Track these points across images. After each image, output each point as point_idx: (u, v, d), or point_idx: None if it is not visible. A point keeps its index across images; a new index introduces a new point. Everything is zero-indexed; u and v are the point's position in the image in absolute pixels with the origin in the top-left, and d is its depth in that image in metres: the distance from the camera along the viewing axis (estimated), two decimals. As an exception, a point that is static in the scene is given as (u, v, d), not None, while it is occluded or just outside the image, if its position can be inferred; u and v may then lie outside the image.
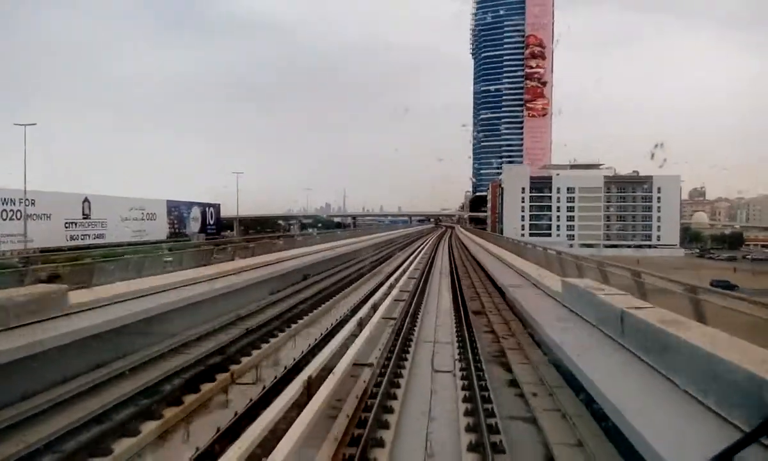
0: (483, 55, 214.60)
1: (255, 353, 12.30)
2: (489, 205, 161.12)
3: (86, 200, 63.27)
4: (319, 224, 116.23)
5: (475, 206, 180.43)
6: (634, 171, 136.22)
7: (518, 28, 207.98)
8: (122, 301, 11.92)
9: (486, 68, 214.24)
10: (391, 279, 24.23)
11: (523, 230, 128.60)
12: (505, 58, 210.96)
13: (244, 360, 11.73)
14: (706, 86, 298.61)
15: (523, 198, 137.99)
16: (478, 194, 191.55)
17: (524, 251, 27.88)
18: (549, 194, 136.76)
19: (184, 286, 15.62)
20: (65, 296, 10.43)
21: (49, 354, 8.82)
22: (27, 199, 53.33)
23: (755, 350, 5.52)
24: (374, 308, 16.34)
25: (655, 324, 6.73)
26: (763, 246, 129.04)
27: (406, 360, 12.02)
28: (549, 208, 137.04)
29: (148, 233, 70.76)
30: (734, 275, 79.14)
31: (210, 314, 14.84)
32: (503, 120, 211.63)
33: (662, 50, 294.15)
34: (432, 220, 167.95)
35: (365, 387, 9.81)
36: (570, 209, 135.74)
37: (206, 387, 9.98)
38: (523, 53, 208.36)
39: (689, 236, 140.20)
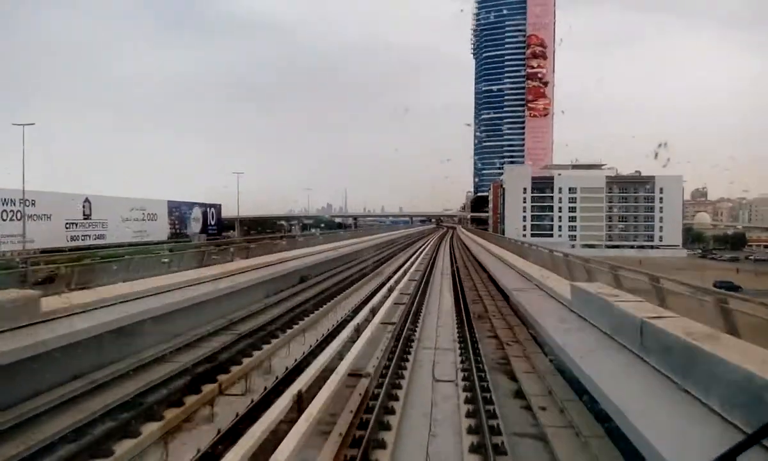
0: (484, 55, 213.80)
1: (245, 361, 11.62)
2: (490, 205, 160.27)
3: (87, 200, 62.51)
4: (322, 225, 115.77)
5: (477, 206, 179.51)
6: (636, 171, 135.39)
7: (520, 27, 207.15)
8: (100, 307, 11.24)
9: (487, 68, 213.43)
10: (392, 281, 23.53)
11: (524, 230, 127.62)
12: (507, 58, 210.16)
13: (234, 369, 11.04)
14: (708, 86, 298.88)
15: (524, 198, 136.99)
16: (479, 194, 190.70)
17: (527, 252, 27.19)
18: (551, 195, 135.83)
19: (176, 289, 15.02)
20: (37, 303, 9.73)
21: (12, 368, 8.16)
22: (27, 200, 52.78)
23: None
24: (373, 312, 15.64)
25: (682, 337, 6.02)
26: (765, 247, 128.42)
27: (405, 368, 11.34)
28: (551, 208, 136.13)
29: (150, 233, 70.18)
30: (737, 275, 78.58)
31: (202, 319, 14.20)
32: (505, 120, 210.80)
33: (663, 50, 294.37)
34: (433, 220, 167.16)
35: (361, 400, 9.15)
36: (572, 209, 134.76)
37: (190, 401, 9.30)
38: (524, 53, 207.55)
39: (691, 237, 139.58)
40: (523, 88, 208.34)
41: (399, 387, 10.07)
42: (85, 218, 61.98)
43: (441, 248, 60.03)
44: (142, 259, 19.60)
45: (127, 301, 12.36)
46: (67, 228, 58.98)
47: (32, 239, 52.28)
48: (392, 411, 8.89)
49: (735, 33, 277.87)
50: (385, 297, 19.15)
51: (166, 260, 20.50)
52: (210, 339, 13.38)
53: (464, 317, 16.82)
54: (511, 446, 7.55)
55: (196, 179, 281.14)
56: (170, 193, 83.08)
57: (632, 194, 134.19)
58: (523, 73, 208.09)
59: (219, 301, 15.49)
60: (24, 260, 26.77)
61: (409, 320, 16.03)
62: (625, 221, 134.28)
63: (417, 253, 45.97)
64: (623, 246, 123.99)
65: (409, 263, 34.31)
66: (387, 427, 8.27)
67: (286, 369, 10.82)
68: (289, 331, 14.97)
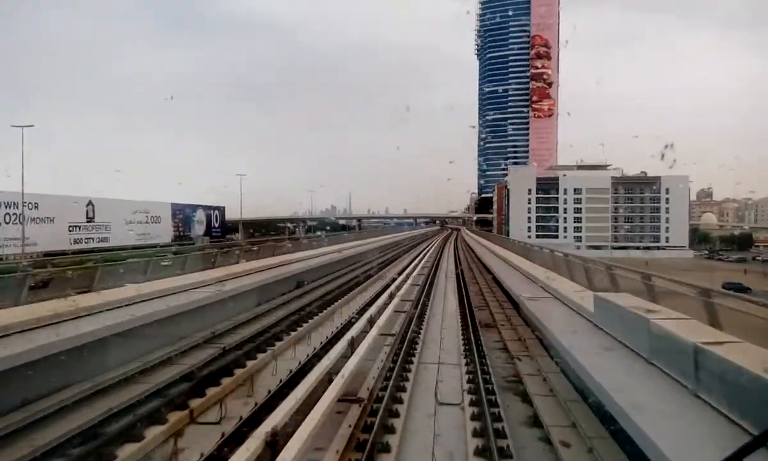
0: (488, 55, 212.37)
1: (225, 382, 10.26)
2: (495, 207, 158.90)
3: (90, 203, 62.30)
4: (328, 228, 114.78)
5: (481, 207, 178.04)
6: (642, 172, 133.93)
7: (524, 28, 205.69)
8: (55, 324, 9.95)
9: (492, 69, 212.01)
10: (392, 287, 22.20)
11: (529, 232, 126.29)
12: (511, 58, 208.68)
13: (210, 392, 9.69)
14: (708, 86, 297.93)
15: (529, 200, 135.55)
16: (483, 195, 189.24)
17: (536, 255, 25.88)
18: (556, 196, 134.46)
19: (162, 296, 13.94)
20: None
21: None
22: (30, 202, 52.76)
23: None
24: (371, 322, 14.31)
25: (755, 373, 4.65)
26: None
27: (404, 390, 9.98)
28: (556, 209, 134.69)
29: (153, 236, 70.03)
30: (745, 277, 77.39)
31: (183, 330, 12.87)
32: (509, 121, 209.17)
33: (663, 50, 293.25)
34: (438, 222, 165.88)
35: (350, 434, 7.82)
36: (577, 210, 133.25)
37: (153, 432, 8.00)
38: (528, 54, 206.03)
39: (698, 238, 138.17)
40: (528, 88, 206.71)
41: (396, 414, 8.73)
42: (88, 221, 61.83)
43: (445, 250, 58.87)
44: (137, 263, 18.58)
45: (88, 315, 11.11)
46: (70, 231, 58.96)
47: (35, 242, 52.37)
48: (387, 448, 7.55)
49: (735, 33, 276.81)
50: (386, 304, 17.87)
51: (165, 263, 19.82)
52: (193, 353, 12.08)
53: (470, 327, 15.51)
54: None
55: (196, 179, 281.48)
56: (170, 193, 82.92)
57: (638, 194, 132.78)
58: (527, 73, 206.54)
59: (195, 314, 14.19)
60: (30, 264, 26.23)
61: (410, 331, 14.69)
62: (631, 222, 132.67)
63: (421, 255, 44.76)
64: (630, 247, 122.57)
65: (412, 266, 33.00)
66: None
67: (269, 392, 9.48)
68: (278, 343, 13.65)
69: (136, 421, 8.19)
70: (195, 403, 9.08)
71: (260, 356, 12.21)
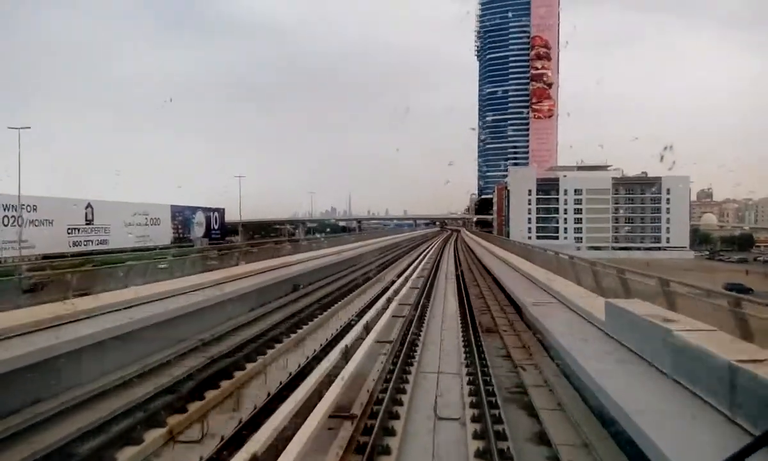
0: (488, 56, 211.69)
1: (209, 396, 9.56)
2: (495, 208, 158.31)
3: (89, 205, 61.89)
4: (328, 230, 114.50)
5: (481, 208, 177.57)
6: (642, 172, 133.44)
7: (524, 29, 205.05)
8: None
9: (491, 70, 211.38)
10: (390, 291, 21.59)
11: (530, 232, 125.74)
12: (511, 59, 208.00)
13: (192, 407, 9.00)
14: (708, 86, 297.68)
15: (529, 200, 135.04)
16: (483, 196, 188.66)
17: (538, 257, 25.24)
18: (556, 196, 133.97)
19: (151, 301, 13.32)
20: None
21: None
22: (29, 205, 52.65)
23: None
24: (367, 329, 13.67)
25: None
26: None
27: (400, 403, 9.32)
28: (556, 210, 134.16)
29: (152, 238, 69.25)
30: (746, 277, 76.94)
31: (169, 338, 12.21)
32: (509, 122, 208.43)
33: (664, 50, 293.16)
34: (438, 223, 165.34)
35: (341, 456, 7.16)
36: (577, 211, 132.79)
37: (127, 454, 7.32)
38: (528, 55, 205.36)
39: (699, 238, 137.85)
40: (528, 89, 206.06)
41: (392, 432, 8.06)
42: (87, 224, 61.50)
43: (445, 251, 58.32)
44: (131, 267, 18.45)
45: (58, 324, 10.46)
46: (69, 234, 58.69)
47: (34, 244, 52.10)
48: (381, 472, 6.89)
49: (735, 33, 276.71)
50: (384, 308, 17.26)
51: (164, 265, 19.68)
52: (180, 362, 11.42)
53: (471, 333, 14.84)
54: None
55: (196, 179, 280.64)
56: (170, 193, 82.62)
57: (639, 195, 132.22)
58: (527, 74, 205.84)
59: (182, 320, 13.53)
60: (30, 268, 25.88)
61: (408, 337, 14.03)
62: (632, 223, 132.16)
63: (420, 256, 44.28)
64: (631, 248, 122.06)
65: (411, 268, 32.45)
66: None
67: (255, 407, 8.81)
68: (269, 352, 12.97)
69: (110, 441, 7.51)
70: (174, 420, 8.38)
71: (249, 366, 11.53)
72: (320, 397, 7.96)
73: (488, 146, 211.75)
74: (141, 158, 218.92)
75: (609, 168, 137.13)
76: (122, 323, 10.95)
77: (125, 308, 12.34)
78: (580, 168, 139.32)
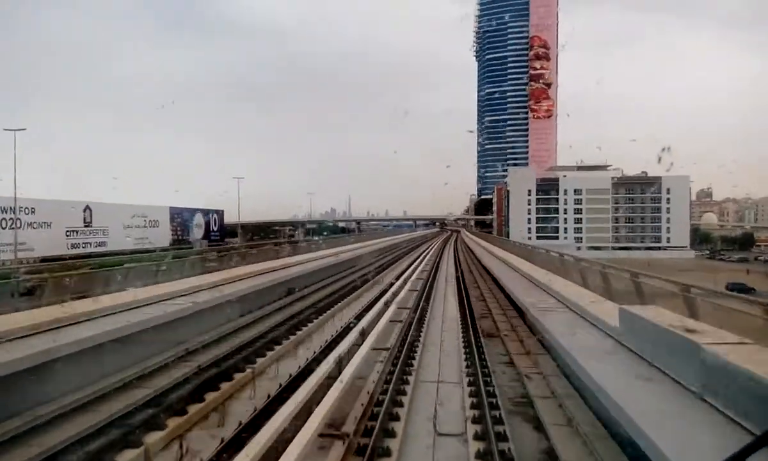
0: (487, 57, 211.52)
1: (192, 410, 8.91)
2: (495, 208, 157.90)
3: (88, 207, 61.56)
4: (326, 233, 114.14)
5: (481, 209, 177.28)
6: (642, 172, 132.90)
7: (522, 29, 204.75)
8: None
9: (490, 71, 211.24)
10: (389, 294, 20.98)
11: (529, 233, 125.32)
12: (510, 60, 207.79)
13: (172, 423, 8.36)
14: (708, 86, 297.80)
15: (529, 201, 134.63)
16: (483, 197, 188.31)
17: (539, 258, 24.63)
18: (556, 197, 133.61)
19: (145, 305, 12.75)
20: None
21: None
22: (27, 207, 52.36)
23: None
24: (363, 335, 13.04)
25: None
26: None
27: (397, 418, 8.67)
28: (556, 211, 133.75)
29: (151, 240, 69.11)
30: (747, 277, 76.66)
31: (151, 346, 11.53)
32: (508, 122, 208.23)
33: (664, 50, 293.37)
34: (437, 224, 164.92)
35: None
36: (577, 211, 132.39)
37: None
38: (527, 55, 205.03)
39: (699, 238, 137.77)
40: (527, 90, 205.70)
41: (387, 452, 7.41)
42: (85, 226, 61.14)
43: (445, 252, 57.74)
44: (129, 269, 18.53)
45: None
46: (67, 236, 58.29)
47: (32, 247, 51.73)
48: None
49: (735, 33, 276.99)
50: (381, 312, 16.64)
51: (162, 268, 19.32)
52: (163, 372, 10.76)
53: (472, 339, 14.22)
54: None
55: (196, 179, 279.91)
56: (170, 194, 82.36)
57: (639, 195, 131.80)
58: (526, 75, 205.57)
59: (172, 325, 12.90)
60: (28, 271, 25.51)
61: (406, 344, 13.39)
62: (632, 223, 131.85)
63: (420, 257, 43.71)
64: (631, 248, 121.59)
65: (410, 270, 31.84)
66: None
67: (240, 424, 8.16)
68: (260, 360, 12.33)
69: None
70: (151, 438, 7.73)
71: (237, 376, 10.87)
72: (309, 413, 7.33)
73: (487, 146, 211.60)
74: (141, 159, 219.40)
75: (609, 168, 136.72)
76: (120, 326, 10.67)
77: (122, 312, 11.96)
78: (580, 168, 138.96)
